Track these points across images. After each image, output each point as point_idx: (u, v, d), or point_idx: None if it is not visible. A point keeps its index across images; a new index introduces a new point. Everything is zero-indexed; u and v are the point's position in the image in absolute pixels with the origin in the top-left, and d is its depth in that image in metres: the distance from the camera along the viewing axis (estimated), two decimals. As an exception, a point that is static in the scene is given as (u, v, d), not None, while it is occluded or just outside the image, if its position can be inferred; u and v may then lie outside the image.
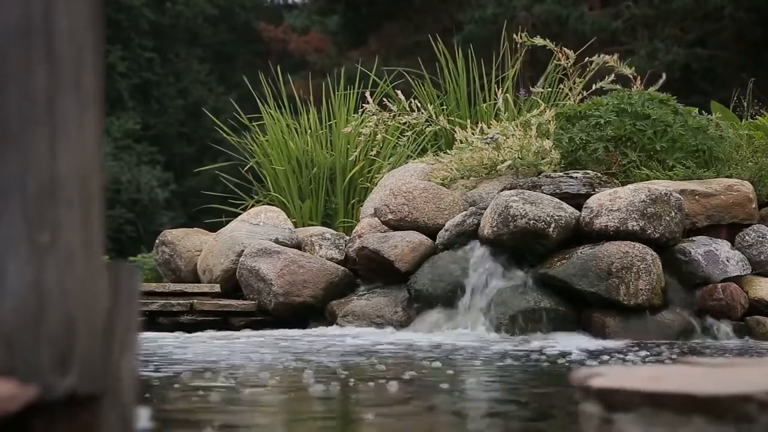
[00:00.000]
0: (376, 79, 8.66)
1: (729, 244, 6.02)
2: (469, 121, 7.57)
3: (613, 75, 7.75)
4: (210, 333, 6.03)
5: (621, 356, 4.43)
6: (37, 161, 1.41)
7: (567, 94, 8.03)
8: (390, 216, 6.47)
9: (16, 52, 1.41)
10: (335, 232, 6.95)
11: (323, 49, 26.45)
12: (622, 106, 6.64)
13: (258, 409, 3.00)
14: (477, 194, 6.59)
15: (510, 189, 6.21)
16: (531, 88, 8.23)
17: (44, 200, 1.41)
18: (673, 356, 4.50)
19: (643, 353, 4.63)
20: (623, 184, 6.32)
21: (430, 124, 7.97)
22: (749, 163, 6.51)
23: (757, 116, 7.50)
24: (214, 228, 7.45)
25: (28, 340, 1.38)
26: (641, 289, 5.66)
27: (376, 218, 6.65)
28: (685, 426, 1.34)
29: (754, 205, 6.21)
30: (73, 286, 1.41)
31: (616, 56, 7.85)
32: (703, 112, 7.13)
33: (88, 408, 1.42)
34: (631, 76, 7.79)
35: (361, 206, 7.48)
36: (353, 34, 25.89)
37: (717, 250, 5.91)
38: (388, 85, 8.57)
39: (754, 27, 20.91)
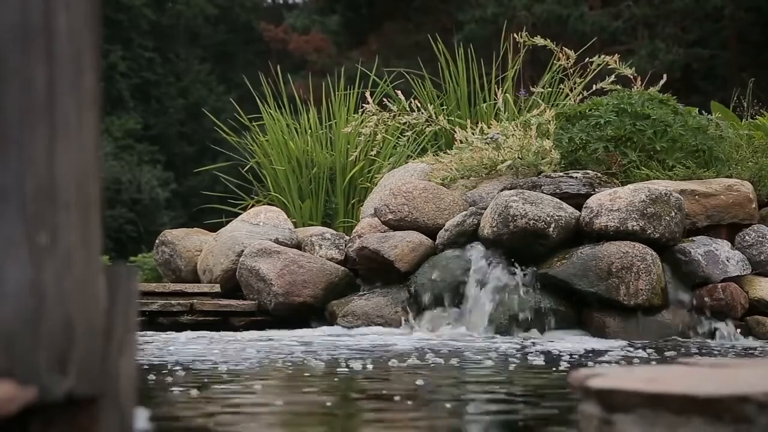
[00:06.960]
0: (376, 79, 8.66)
1: (729, 244, 6.02)
2: (469, 121, 7.57)
3: (613, 75, 7.75)
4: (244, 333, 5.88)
5: (621, 356, 4.42)
6: (35, 162, 1.40)
7: (567, 94, 8.02)
8: (390, 216, 6.46)
9: (15, 52, 1.41)
10: (335, 232, 6.94)
11: (323, 48, 26.45)
12: (622, 106, 6.63)
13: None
14: (477, 194, 6.58)
15: (510, 189, 6.21)
16: (531, 88, 8.22)
17: (43, 201, 1.40)
18: (673, 356, 4.50)
19: (643, 353, 4.63)
20: (623, 184, 6.32)
21: (430, 124, 7.96)
22: (749, 163, 6.51)
23: (757, 116, 7.49)
24: (214, 228, 7.44)
25: (26, 342, 1.38)
26: (641, 289, 5.66)
27: (376, 218, 6.64)
28: (684, 427, 1.34)
29: (754, 205, 6.20)
30: (72, 288, 1.41)
31: (616, 56, 7.84)
32: (703, 112, 7.12)
33: (86, 409, 1.42)
34: (632, 77, 7.78)
35: (361, 206, 7.47)
36: (353, 34, 25.90)
37: (717, 250, 5.90)
38: (388, 85, 8.56)
39: (754, 27, 20.91)
